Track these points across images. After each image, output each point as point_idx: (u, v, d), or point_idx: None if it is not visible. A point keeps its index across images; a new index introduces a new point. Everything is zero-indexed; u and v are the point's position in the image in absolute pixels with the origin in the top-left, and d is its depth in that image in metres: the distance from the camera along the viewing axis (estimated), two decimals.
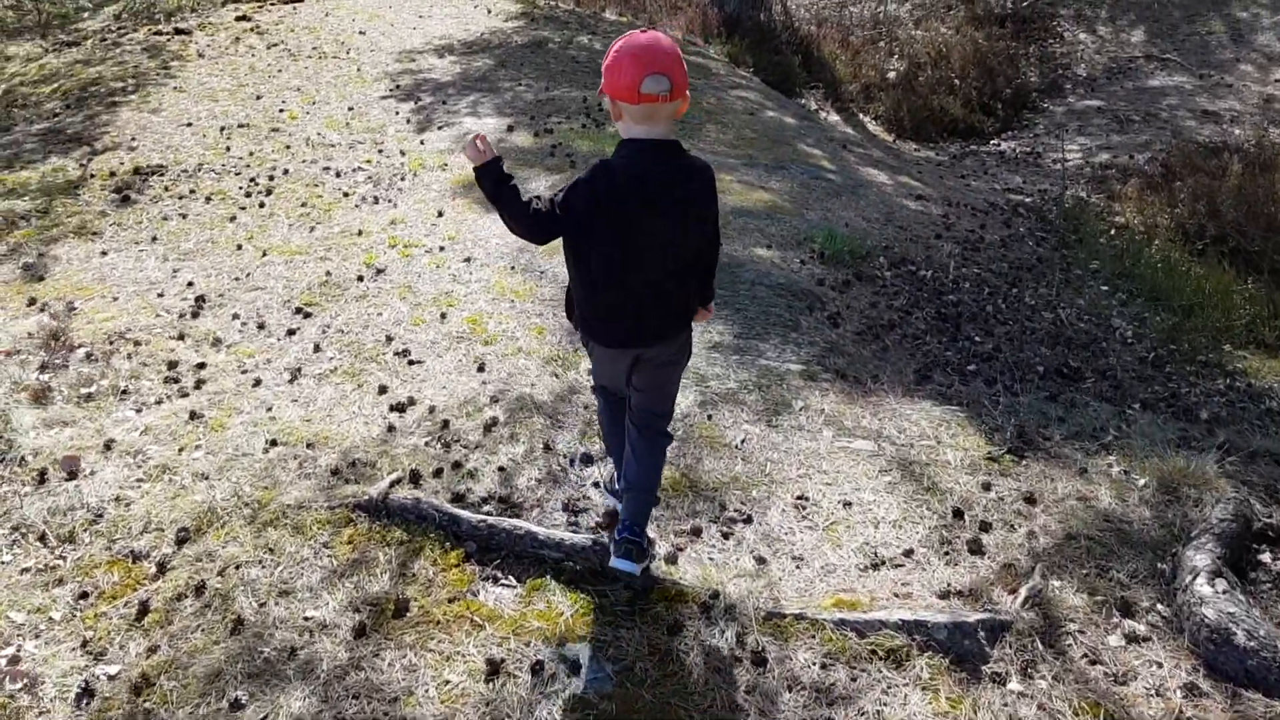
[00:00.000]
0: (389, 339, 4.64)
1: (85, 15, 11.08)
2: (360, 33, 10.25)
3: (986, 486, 3.62)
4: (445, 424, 3.94)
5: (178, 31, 9.93)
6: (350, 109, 7.99)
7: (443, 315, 4.86)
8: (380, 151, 7.11)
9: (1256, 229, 7.34)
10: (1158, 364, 5.41)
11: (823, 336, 4.80)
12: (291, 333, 4.71)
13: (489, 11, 11.51)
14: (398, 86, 8.62)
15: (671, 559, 3.23)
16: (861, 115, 10.87)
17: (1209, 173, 8.40)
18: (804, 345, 4.66)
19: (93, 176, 6.56)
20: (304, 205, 6.20)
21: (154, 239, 5.74)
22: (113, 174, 6.58)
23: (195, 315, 4.89)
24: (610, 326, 2.88)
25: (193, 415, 4.05)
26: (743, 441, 3.86)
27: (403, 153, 7.09)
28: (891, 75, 11.86)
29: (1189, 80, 11.16)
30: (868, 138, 9.84)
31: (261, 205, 6.18)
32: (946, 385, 4.53)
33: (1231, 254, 7.20)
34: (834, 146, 8.50)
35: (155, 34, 9.89)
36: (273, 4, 11.28)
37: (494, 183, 2.75)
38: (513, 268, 5.37)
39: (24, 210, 6.07)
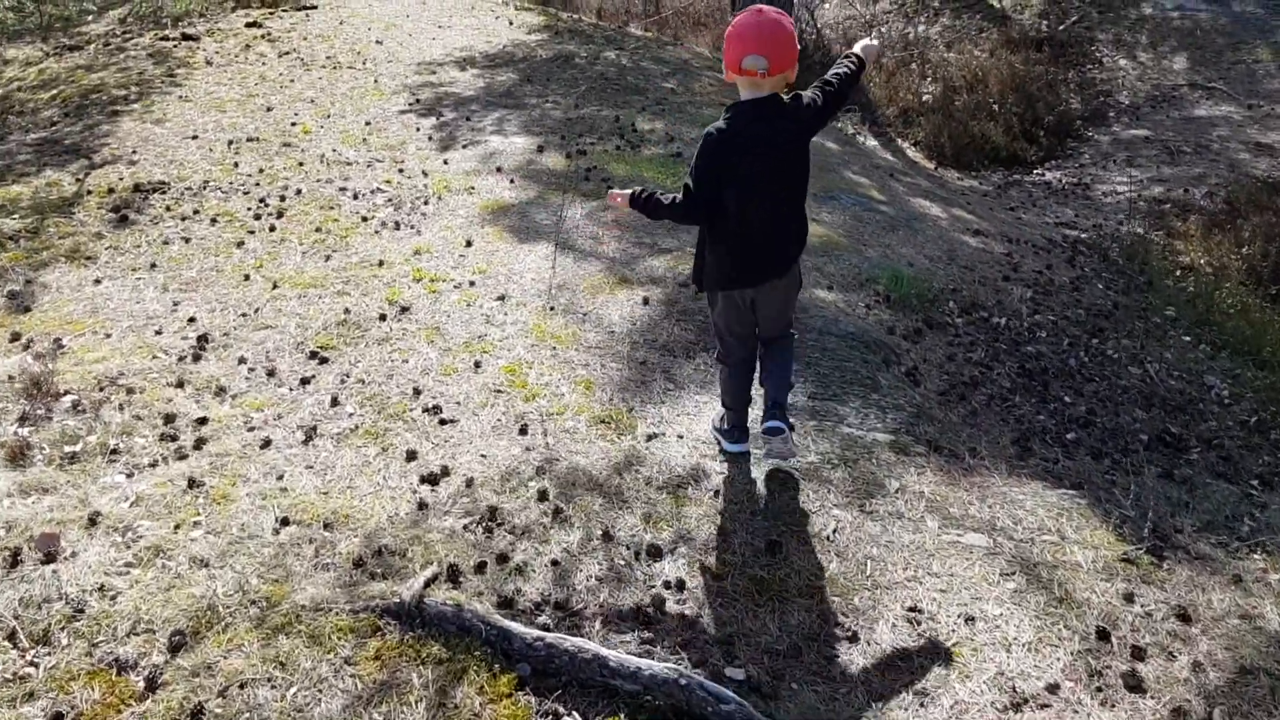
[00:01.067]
0: (417, 391, 4.06)
1: (89, 18, 10.51)
2: (377, 42, 9.68)
3: (1129, 598, 3.03)
4: (490, 509, 3.34)
5: (185, 37, 9.35)
6: (367, 123, 7.41)
7: (476, 364, 4.27)
8: (401, 171, 6.53)
9: None
10: (1262, 429, 4.83)
11: (906, 398, 4.21)
12: (305, 382, 4.12)
13: (511, 23, 10.94)
14: (418, 100, 8.04)
15: (769, 691, 2.64)
16: (900, 141, 10.30)
17: (1276, 211, 7.84)
18: (888, 409, 4.07)
19: (89, 193, 5.97)
20: (318, 230, 5.62)
21: (153, 265, 5.15)
22: (111, 190, 5.99)
23: (197, 358, 4.29)
24: (748, 266, 3.26)
25: (192, 483, 3.46)
26: (834, 532, 3.28)
27: (425, 173, 6.51)
28: (927, 98, 11.31)
29: (1237, 110, 10.62)
30: (909, 165, 9.27)
31: (272, 229, 5.60)
32: (1051, 460, 3.95)
33: None
34: (880, 175, 7.93)
35: (161, 39, 9.31)
36: (285, 10, 10.71)
37: (646, 209, 3.28)
38: (551, 308, 4.78)
39: (12, 230, 5.48)
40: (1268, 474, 4.35)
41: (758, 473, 3.57)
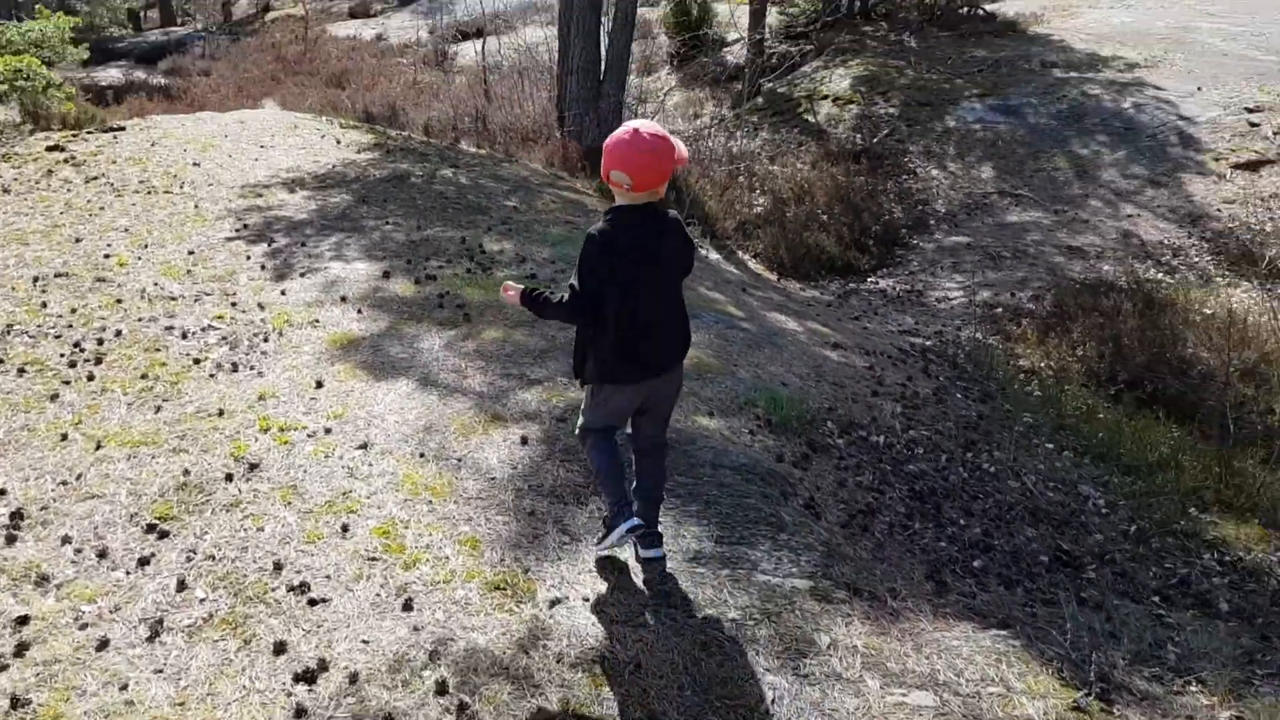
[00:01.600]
0: (278, 566, 3.54)
1: None
2: (194, 164, 9.08)
3: None
4: (385, 715, 2.86)
5: None
6: (191, 253, 6.82)
7: (344, 527, 3.79)
8: (234, 305, 5.98)
9: (1170, 374, 7.07)
10: (1142, 538, 4.85)
11: (814, 536, 3.97)
12: (144, 562, 3.54)
13: (338, 142, 10.53)
14: (245, 226, 7.50)
15: None
16: (741, 253, 10.37)
17: (1103, 313, 8.20)
18: (799, 550, 3.82)
19: None
20: (145, 377, 5.01)
21: None
22: None
23: (11, 539, 3.63)
24: (633, 362, 3.34)
25: (15, 702, 2.84)
26: (773, 703, 2.96)
27: (262, 306, 5.98)
28: (758, 210, 11.50)
29: (1045, 215, 11.23)
30: (754, 278, 9.30)
31: (90, 378, 4.95)
32: (969, 595, 3.77)
33: (1151, 399, 6.88)
34: (733, 289, 7.87)
35: None
36: (90, 133, 9.98)
37: (535, 307, 3.38)
38: (422, 454, 4.35)
39: None
40: (1163, 588, 4.32)
41: (679, 639, 3.22)
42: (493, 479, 4.18)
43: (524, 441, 4.47)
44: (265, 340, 5.53)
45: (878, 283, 9.98)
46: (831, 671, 3.11)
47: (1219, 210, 10.85)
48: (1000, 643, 3.36)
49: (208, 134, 10.38)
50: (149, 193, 8.12)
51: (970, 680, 3.13)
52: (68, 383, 4.90)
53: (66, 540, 3.64)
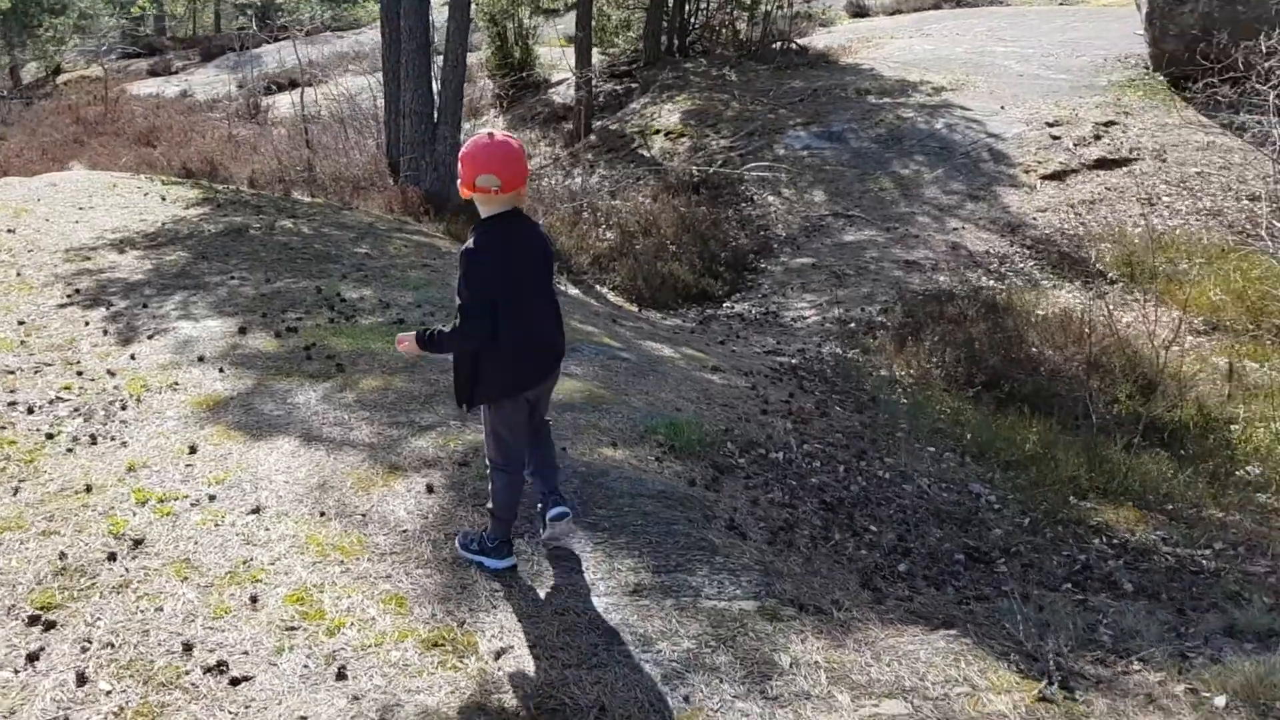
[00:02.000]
0: (188, 647, 3.20)
1: None
2: (8, 231, 8.37)
3: None
4: None
5: None
6: (21, 323, 6.25)
7: (253, 598, 3.47)
8: (80, 374, 5.50)
9: (1022, 372, 7.40)
10: (1036, 529, 5.01)
11: (748, 556, 3.89)
12: (34, 658, 3.13)
13: (163, 199, 9.93)
14: (77, 291, 6.93)
15: None
16: (599, 287, 10.30)
17: (950, 320, 8.53)
18: (738, 571, 3.74)
19: None
20: None
21: None
22: None
23: None
24: (535, 365, 3.47)
25: None
26: None
27: (112, 373, 5.52)
28: (607, 245, 11.50)
29: (878, 234, 11.66)
30: (616, 309, 9.25)
31: None
32: (905, 599, 3.78)
33: (1009, 398, 7.17)
34: (604, 321, 7.79)
35: None
36: None
37: (433, 346, 3.35)
38: (322, 513, 4.06)
39: None
40: (1070, 575, 4.46)
41: (635, 676, 3.08)
42: (404, 531, 3.94)
43: (430, 490, 4.24)
44: (123, 408, 5.09)
45: (733, 307, 10.11)
46: (800, 690, 3.03)
47: (1034, 219, 11.52)
48: (953, 643, 3.36)
49: (18, 199, 9.61)
50: None
51: (936, 683, 3.10)
52: None
53: None
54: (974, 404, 7.17)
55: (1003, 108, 14.19)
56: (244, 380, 5.47)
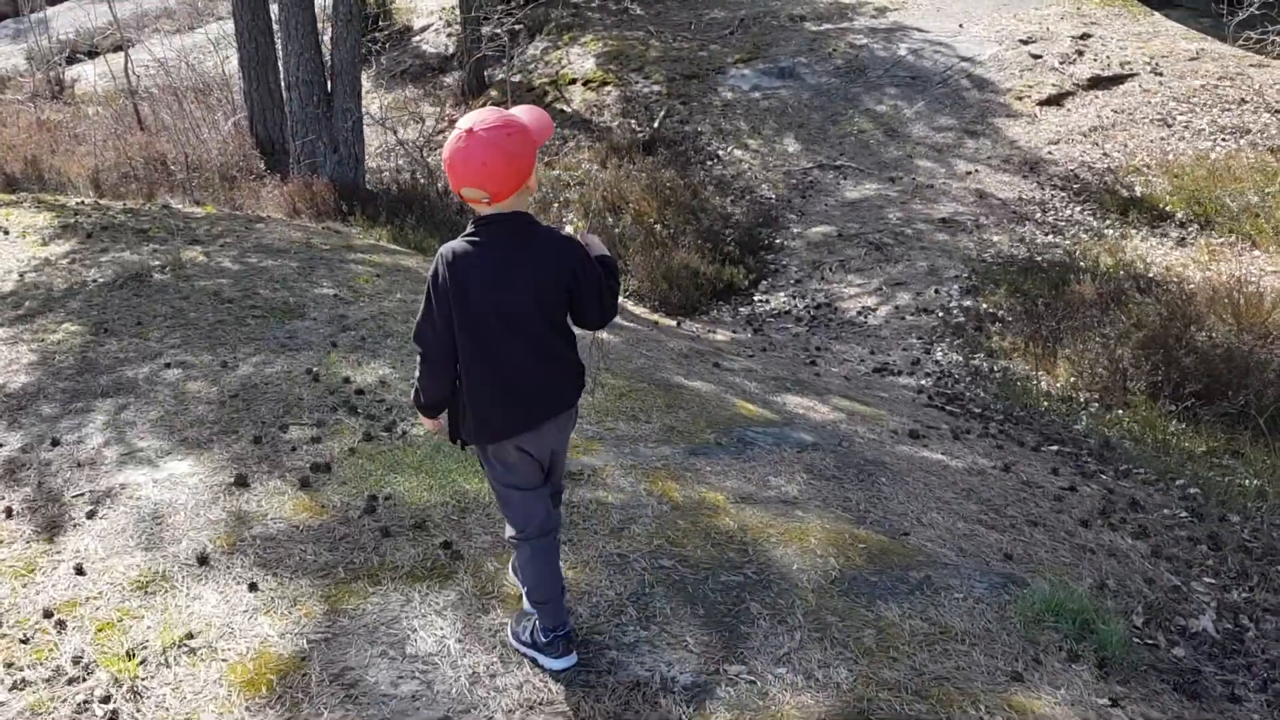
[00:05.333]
0: None
1: None
2: None
3: None
4: None
5: None
6: None
7: None
8: (8, 638, 3.00)
9: (1231, 372, 5.69)
10: None
11: None
12: None
13: (5, 233, 6.98)
14: None
15: None
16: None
17: (1075, 303, 6.78)
18: None
19: None
20: None
21: None
22: None
23: None
24: (511, 409, 2.60)
25: None
26: None
27: (59, 622, 3.04)
28: (570, 230, 9.18)
29: (883, 186, 9.79)
30: (651, 326, 7.02)
31: None
32: None
33: (1241, 415, 5.46)
34: (706, 367, 5.59)
35: None
36: None
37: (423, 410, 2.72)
38: None
39: None
40: None
41: None
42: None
43: None
44: (107, 703, 2.67)
45: (767, 300, 8.05)
46: None
47: (1050, 154, 9.92)
48: None
49: None
50: None
51: None
52: None
53: None
54: (1192, 425, 5.45)
55: (961, 26, 12.50)
56: (302, 605, 3.09)
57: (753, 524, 3.52)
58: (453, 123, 13.02)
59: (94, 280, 6.00)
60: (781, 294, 8.09)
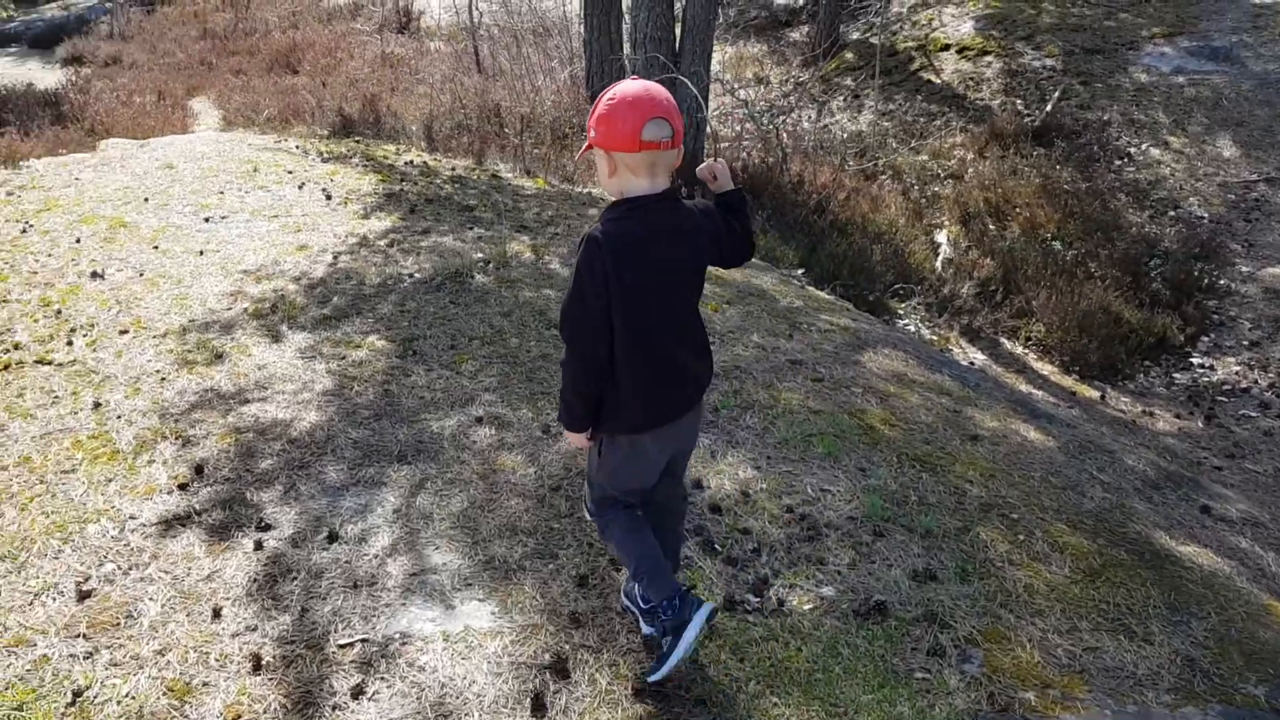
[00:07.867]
0: None
1: None
2: (94, 274, 4.90)
3: None
4: None
5: None
6: (85, 593, 2.74)
7: None
8: None
9: None
10: None
11: None
12: None
13: (328, 198, 6.26)
14: (199, 471, 3.40)
15: None
16: (1007, 342, 6.33)
17: None
18: None
19: None
20: None
21: None
22: None
23: None
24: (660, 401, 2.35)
25: None
26: None
27: None
28: (943, 247, 7.50)
29: None
30: (1070, 400, 5.31)
31: None
32: None
33: None
34: (1190, 509, 3.90)
35: None
36: None
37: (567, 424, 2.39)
38: None
39: None
40: None
41: None
42: None
43: None
44: None
45: (1211, 368, 6.06)
46: None
47: None
48: None
49: (117, 195, 6.12)
50: (3, 370, 3.97)
51: None
52: None
53: None
54: None
55: None
56: None
57: None
58: (799, 86, 11.49)
59: (410, 276, 5.07)
60: (1231, 359, 6.07)
